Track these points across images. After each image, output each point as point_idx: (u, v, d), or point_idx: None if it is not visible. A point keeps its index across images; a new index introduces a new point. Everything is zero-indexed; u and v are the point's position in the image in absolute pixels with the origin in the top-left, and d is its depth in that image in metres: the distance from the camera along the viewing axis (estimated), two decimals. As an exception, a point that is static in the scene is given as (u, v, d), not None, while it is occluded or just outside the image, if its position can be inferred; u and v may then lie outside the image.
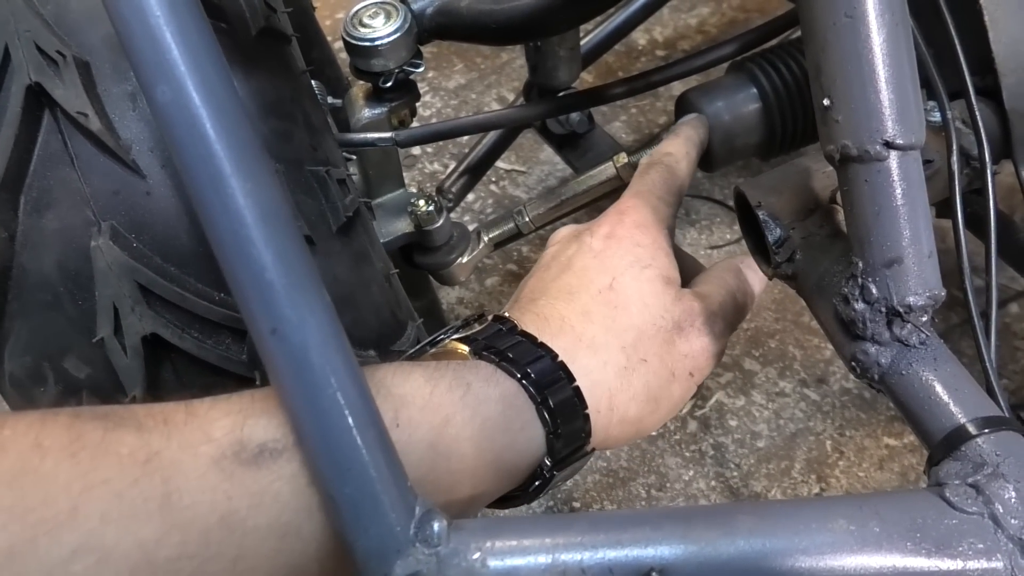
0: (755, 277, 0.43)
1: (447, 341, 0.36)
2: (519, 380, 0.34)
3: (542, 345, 0.35)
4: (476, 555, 0.28)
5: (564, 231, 0.44)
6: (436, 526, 0.29)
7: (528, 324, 0.36)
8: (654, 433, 0.87)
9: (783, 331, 0.94)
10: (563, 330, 0.36)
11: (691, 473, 0.84)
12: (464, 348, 0.35)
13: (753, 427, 0.86)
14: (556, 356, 0.35)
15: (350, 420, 0.28)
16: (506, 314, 0.38)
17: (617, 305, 0.38)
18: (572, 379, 0.35)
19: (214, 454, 0.27)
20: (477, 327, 0.37)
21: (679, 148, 0.50)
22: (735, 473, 0.83)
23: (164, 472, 0.26)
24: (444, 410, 0.32)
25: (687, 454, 0.85)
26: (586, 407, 0.35)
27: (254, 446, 0.27)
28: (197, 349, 0.40)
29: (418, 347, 0.38)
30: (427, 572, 0.28)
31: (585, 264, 0.40)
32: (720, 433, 0.86)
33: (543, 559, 0.28)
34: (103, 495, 0.25)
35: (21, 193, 0.39)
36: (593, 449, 0.36)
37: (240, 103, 0.29)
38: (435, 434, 0.31)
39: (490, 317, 0.37)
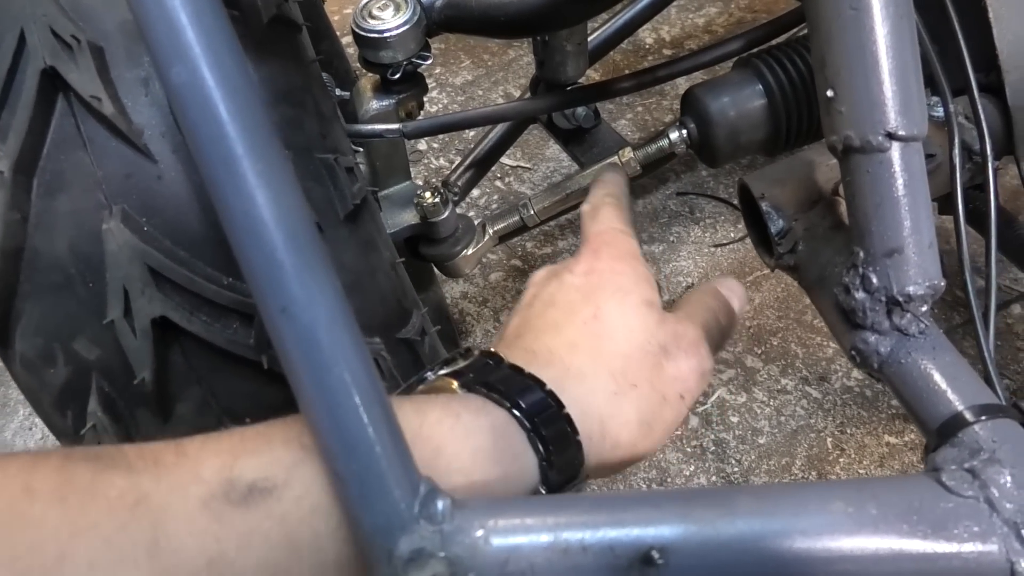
0: (735, 297, 0.44)
1: (435, 378, 0.36)
2: (509, 410, 0.33)
3: (531, 376, 0.35)
4: (479, 532, 0.29)
5: (542, 272, 0.44)
6: (440, 504, 0.29)
7: (516, 358, 0.36)
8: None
9: (785, 329, 0.94)
10: (551, 362, 0.37)
11: (692, 468, 0.84)
12: (453, 383, 0.35)
13: (754, 424, 0.87)
14: (545, 385, 0.35)
15: (357, 398, 0.28)
16: (492, 349, 0.38)
17: (603, 334, 0.38)
18: (562, 407, 0.35)
19: (203, 495, 0.27)
20: (463, 362, 0.37)
21: (613, 188, 0.50)
22: (736, 469, 0.84)
23: (153, 516, 0.26)
24: (434, 441, 0.31)
25: (688, 449, 0.86)
26: (578, 434, 0.34)
27: (244, 485, 0.27)
28: (205, 332, 0.41)
29: (406, 384, 0.38)
30: (431, 548, 0.28)
31: (568, 298, 0.40)
32: (721, 429, 0.87)
33: (545, 537, 0.29)
34: (91, 541, 0.25)
35: (35, 176, 0.40)
36: (587, 477, 0.36)
37: (253, 85, 0.29)
38: (425, 465, 0.30)
39: (477, 352, 0.37)
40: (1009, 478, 0.29)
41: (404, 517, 0.29)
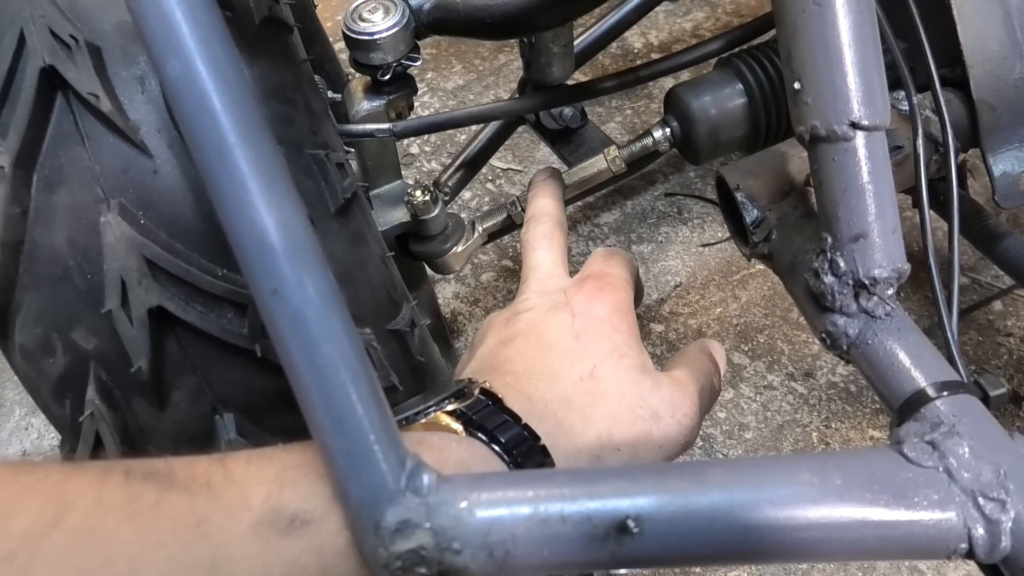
0: (721, 356, 0.45)
1: (436, 413, 0.37)
2: (508, 465, 0.35)
3: (527, 427, 0.36)
4: (463, 504, 0.30)
5: (538, 291, 0.44)
6: (425, 478, 0.30)
7: (512, 401, 0.37)
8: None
9: (772, 326, 0.96)
10: (545, 415, 0.38)
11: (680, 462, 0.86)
12: (457, 426, 0.36)
13: (741, 419, 0.88)
14: (539, 439, 0.36)
15: (345, 375, 0.30)
16: (487, 384, 0.38)
17: (596, 394, 0.39)
18: (553, 465, 0.36)
19: (253, 521, 0.28)
20: (463, 403, 0.37)
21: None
22: (723, 463, 0.85)
23: (212, 538, 0.27)
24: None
25: (677, 445, 0.87)
26: None
27: (287, 515, 0.28)
28: (200, 321, 0.42)
29: (405, 415, 0.38)
30: (417, 519, 0.30)
31: (567, 347, 0.41)
32: (709, 424, 0.88)
33: (526, 509, 0.30)
34: (158, 559, 0.26)
35: (34, 171, 0.41)
36: None
37: (245, 78, 0.31)
38: None
39: (476, 390, 0.38)
40: (967, 449, 0.30)
41: (391, 489, 0.30)
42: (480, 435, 0.35)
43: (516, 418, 0.36)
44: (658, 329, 0.96)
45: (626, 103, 1.22)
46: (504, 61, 1.31)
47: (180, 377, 0.44)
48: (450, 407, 0.37)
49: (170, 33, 0.29)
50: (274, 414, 0.45)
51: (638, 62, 1.32)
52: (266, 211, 0.30)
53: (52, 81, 0.40)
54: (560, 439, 0.37)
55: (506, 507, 0.30)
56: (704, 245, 1.04)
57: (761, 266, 1.03)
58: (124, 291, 0.41)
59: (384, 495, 0.30)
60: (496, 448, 0.35)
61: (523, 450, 0.35)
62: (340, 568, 0.29)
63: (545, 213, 0.51)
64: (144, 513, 0.26)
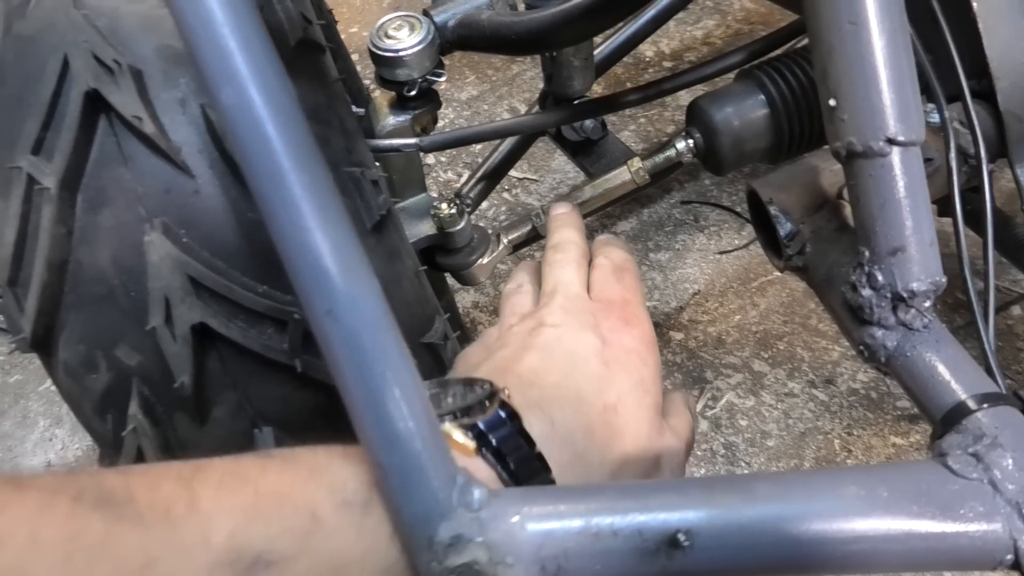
0: (694, 409, 0.45)
1: (448, 424, 0.34)
2: None
3: (540, 458, 0.34)
4: (515, 518, 0.30)
5: (568, 307, 0.43)
6: (476, 493, 0.31)
7: (533, 420, 0.35)
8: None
9: (791, 333, 0.96)
10: (565, 445, 0.37)
11: (702, 471, 0.86)
12: (470, 444, 0.34)
13: (763, 427, 0.89)
14: (550, 472, 0.35)
15: (398, 394, 0.30)
16: (507, 395, 0.36)
17: (616, 429, 0.39)
18: None
19: (209, 562, 0.26)
20: (480, 416, 0.34)
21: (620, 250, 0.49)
22: (746, 471, 0.85)
23: None
24: None
25: (699, 453, 0.87)
26: None
27: (251, 556, 0.27)
28: (242, 338, 0.43)
29: None
30: (469, 534, 0.30)
31: (595, 372, 0.40)
32: (731, 432, 0.88)
33: (577, 522, 0.30)
34: None
35: (79, 192, 0.42)
36: None
37: (296, 104, 0.31)
38: None
39: (497, 401, 0.35)
40: (1011, 461, 0.31)
41: (443, 505, 0.30)
42: (490, 457, 0.34)
43: (531, 443, 0.35)
44: (678, 337, 0.96)
45: (640, 112, 1.22)
46: (517, 71, 1.32)
47: (221, 393, 0.45)
48: (467, 421, 0.34)
49: (224, 62, 0.30)
50: (312, 429, 0.46)
51: (651, 70, 1.33)
52: (319, 234, 0.30)
53: (96, 104, 0.41)
54: (573, 473, 0.36)
55: (557, 521, 0.31)
56: (721, 252, 1.04)
57: (779, 273, 1.03)
58: (168, 309, 0.42)
59: (437, 511, 0.30)
60: (504, 476, 0.33)
61: (532, 484, 0.34)
62: None
63: (572, 242, 0.49)
64: (83, 553, 0.24)
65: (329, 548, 0.28)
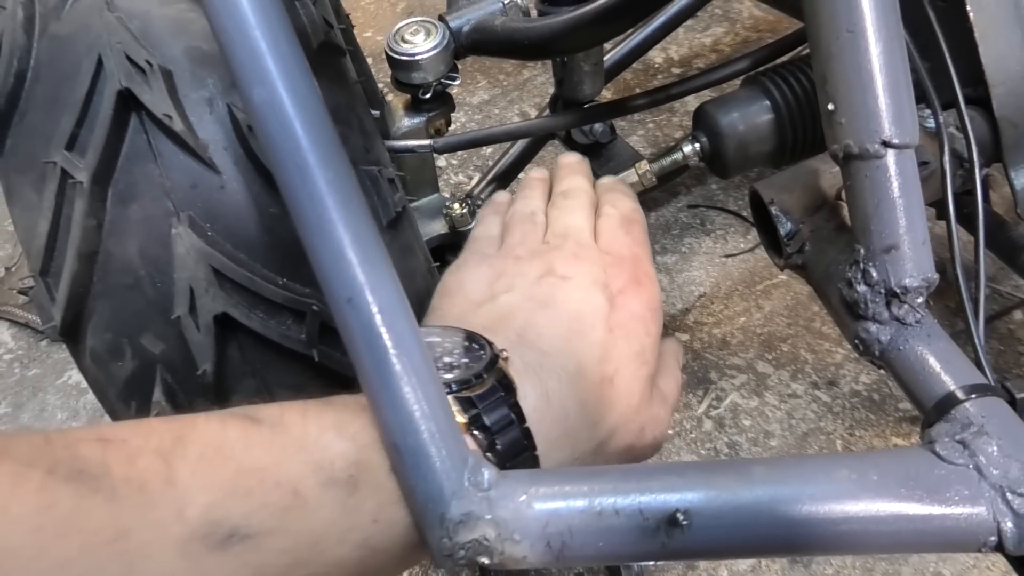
0: (681, 359, 0.44)
1: (450, 399, 0.34)
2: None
3: (528, 434, 0.35)
4: (522, 498, 0.32)
5: (581, 255, 0.41)
6: (486, 474, 0.33)
7: (529, 390, 0.35)
8: (670, 431, 0.91)
9: (795, 336, 0.97)
10: (557, 421, 0.36)
11: (706, 470, 0.87)
12: (462, 419, 0.34)
13: (766, 427, 0.90)
14: (535, 449, 0.35)
15: (414, 379, 0.32)
16: (505, 358, 0.35)
17: (609, 402, 0.38)
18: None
19: (183, 536, 0.26)
20: (477, 390, 0.34)
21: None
22: (748, 470, 0.87)
23: (129, 556, 0.25)
24: None
25: (703, 452, 0.89)
26: None
27: (226, 529, 0.26)
28: (262, 328, 0.44)
29: None
30: (479, 512, 0.32)
31: (598, 339, 0.39)
32: (734, 432, 0.90)
33: (581, 502, 0.32)
34: None
35: (109, 186, 0.44)
36: None
37: (322, 104, 0.33)
38: None
39: (494, 372, 0.35)
40: (996, 448, 0.32)
41: (455, 485, 0.32)
42: (480, 435, 0.34)
43: (522, 418, 0.35)
44: (683, 338, 0.98)
45: (648, 116, 1.24)
46: (528, 76, 1.34)
47: (241, 380, 0.46)
48: (464, 394, 0.34)
49: (256, 63, 0.32)
50: (328, 416, 0.48)
51: (659, 76, 1.34)
52: (342, 226, 0.32)
53: (128, 103, 0.43)
54: (560, 448, 0.36)
55: (563, 500, 0.32)
56: (727, 256, 1.06)
57: (783, 276, 1.04)
58: (192, 299, 0.44)
59: (448, 490, 0.32)
60: (490, 456, 0.34)
61: (516, 462, 0.34)
62: None
63: (582, 189, 0.47)
64: (53, 526, 0.24)
65: (309, 525, 0.28)
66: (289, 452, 0.29)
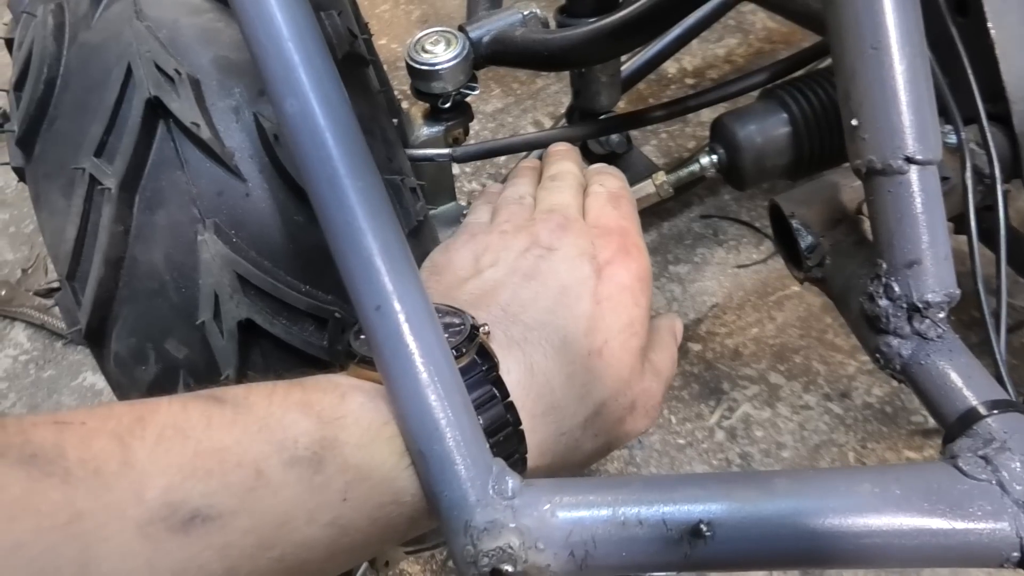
0: (680, 335, 0.43)
1: None
2: None
3: (511, 409, 0.34)
4: (546, 506, 0.32)
5: (567, 227, 0.40)
6: (511, 482, 0.33)
7: (512, 364, 0.35)
8: (682, 441, 0.91)
9: (807, 347, 0.97)
10: (542, 395, 0.36)
11: (717, 480, 0.87)
12: None
13: (778, 438, 0.90)
14: (520, 424, 0.34)
15: (440, 387, 0.32)
16: (487, 333, 0.35)
17: (597, 375, 0.37)
18: (525, 451, 0.35)
19: (142, 518, 0.25)
20: (459, 361, 0.33)
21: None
22: (760, 481, 0.86)
23: (85, 538, 0.24)
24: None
25: (714, 462, 0.89)
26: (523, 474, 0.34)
27: (187, 511, 0.25)
28: (285, 334, 0.45)
29: None
30: (503, 520, 0.32)
31: (585, 311, 0.38)
32: (746, 443, 0.90)
33: (605, 512, 0.32)
34: (15, 562, 0.23)
35: (137, 192, 0.45)
36: None
37: (352, 115, 0.34)
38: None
39: (474, 348, 0.34)
40: (1019, 464, 0.32)
41: (480, 492, 0.32)
42: None
43: (504, 393, 0.34)
44: (696, 348, 0.98)
45: (662, 127, 1.24)
46: (541, 85, 1.34)
47: (262, 386, 0.47)
48: None
49: (289, 75, 0.33)
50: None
51: (673, 87, 1.35)
52: (372, 235, 0.33)
53: (156, 111, 0.44)
54: (546, 423, 0.36)
55: (587, 510, 0.32)
56: (740, 266, 1.06)
57: (796, 288, 1.04)
58: (216, 305, 0.44)
59: (473, 497, 0.32)
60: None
61: (500, 438, 0.34)
62: (246, 569, 0.26)
63: (570, 172, 0.46)
64: (5, 508, 0.23)
65: (274, 504, 0.28)
66: (251, 432, 0.28)
